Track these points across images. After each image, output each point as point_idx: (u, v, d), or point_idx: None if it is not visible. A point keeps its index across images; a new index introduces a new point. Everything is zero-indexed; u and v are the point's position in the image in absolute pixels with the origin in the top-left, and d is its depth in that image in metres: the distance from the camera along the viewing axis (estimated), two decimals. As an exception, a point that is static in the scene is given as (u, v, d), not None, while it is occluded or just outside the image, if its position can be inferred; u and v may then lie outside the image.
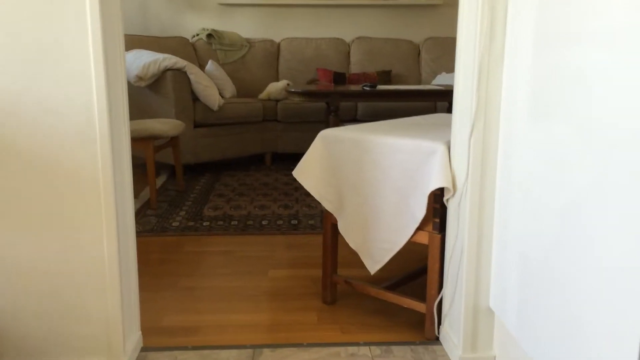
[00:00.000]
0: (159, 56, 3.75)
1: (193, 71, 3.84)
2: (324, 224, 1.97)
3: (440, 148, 1.61)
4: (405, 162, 1.70)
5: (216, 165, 4.41)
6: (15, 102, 1.38)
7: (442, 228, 1.69)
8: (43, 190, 1.43)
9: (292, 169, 4.35)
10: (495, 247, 1.52)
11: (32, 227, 1.44)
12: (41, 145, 1.40)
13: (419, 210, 1.68)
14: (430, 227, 1.69)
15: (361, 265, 2.33)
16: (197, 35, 4.86)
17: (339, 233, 1.93)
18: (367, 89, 3.42)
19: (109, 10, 1.42)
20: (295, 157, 4.63)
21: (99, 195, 1.43)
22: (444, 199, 1.64)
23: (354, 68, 4.97)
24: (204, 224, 2.92)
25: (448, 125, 1.99)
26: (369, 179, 1.79)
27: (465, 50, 1.50)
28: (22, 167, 1.41)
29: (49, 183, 1.42)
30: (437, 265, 1.70)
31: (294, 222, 2.96)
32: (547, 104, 1.27)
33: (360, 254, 1.86)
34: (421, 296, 1.99)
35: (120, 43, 1.50)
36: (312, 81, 4.74)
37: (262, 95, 4.50)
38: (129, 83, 3.78)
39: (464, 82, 1.51)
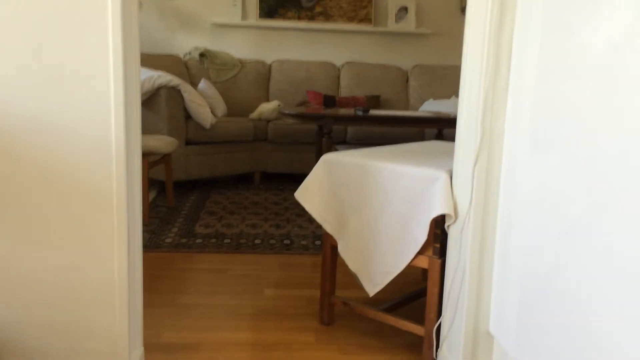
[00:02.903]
0: (154, 73, 3.78)
1: (187, 89, 3.87)
2: (323, 246, 2.01)
3: (443, 176, 1.68)
4: (408, 188, 1.75)
5: (205, 183, 4.43)
6: (35, 119, 1.40)
7: (442, 253, 1.74)
8: (58, 204, 1.44)
9: (281, 189, 4.40)
10: (495, 273, 1.58)
11: (45, 241, 1.46)
12: (58, 162, 1.43)
13: (421, 235, 1.73)
14: (430, 252, 1.75)
15: (357, 286, 2.37)
16: (190, 53, 4.90)
17: (338, 255, 1.97)
18: (360, 113, 3.49)
19: (129, 31, 1.46)
20: (284, 177, 4.68)
21: (112, 210, 1.46)
22: (445, 225, 1.70)
23: (344, 92, 5.07)
24: (197, 241, 2.93)
25: (446, 153, 2.06)
26: (371, 203, 1.84)
27: (469, 84, 1.58)
28: (39, 182, 1.43)
29: (65, 198, 1.44)
30: (436, 290, 1.75)
31: (287, 242, 2.99)
32: (546, 138, 1.34)
33: (359, 276, 1.91)
34: (418, 318, 2.04)
35: (137, 63, 1.54)
36: (302, 103, 4.81)
37: (253, 115, 4.55)
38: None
39: (467, 114, 1.58)
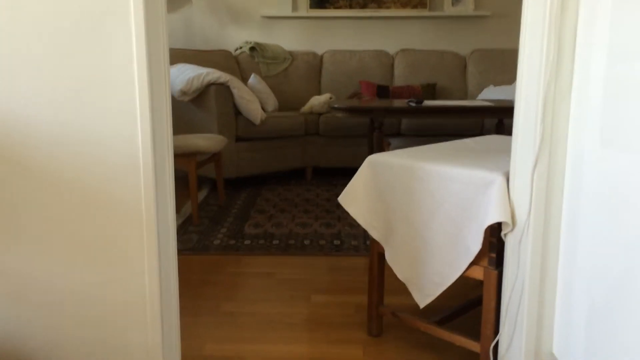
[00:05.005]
0: (203, 70, 3.75)
1: (236, 85, 3.82)
2: (370, 253, 1.89)
3: (498, 179, 1.51)
4: (460, 193, 1.60)
5: (257, 179, 4.38)
6: (60, 132, 1.35)
7: (498, 263, 1.58)
8: (85, 220, 1.40)
9: (334, 184, 4.29)
10: (560, 288, 1.41)
11: (73, 257, 1.41)
12: (84, 176, 1.37)
13: (474, 243, 1.58)
14: (485, 262, 1.59)
15: (408, 292, 2.23)
16: (241, 48, 4.86)
17: (386, 262, 1.85)
18: (413, 104, 3.32)
19: (155, 37, 1.38)
20: (336, 172, 4.56)
21: (142, 226, 1.39)
22: (502, 234, 1.54)
23: (398, 81, 4.88)
24: (245, 242, 2.87)
25: (503, 150, 1.88)
26: (420, 209, 1.70)
27: (527, 77, 1.40)
28: (65, 197, 1.39)
29: (92, 213, 1.39)
30: (492, 304, 1.59)
31: (337, 242, 2.88)
32: (619, 131, 1.16)
33: (408, 286, 1.77)
34: (473, 332, 1.88)
35: (165, 69, 1.46)
36: (354, 94, 4.67)
37: (305, 109, 4.46)
38: (172, 97, 3.79)
39: (525, 111, 1.41)
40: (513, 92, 4.37)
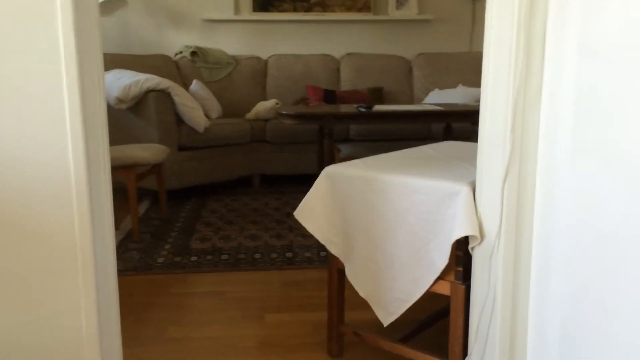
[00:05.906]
0: (141, 76, 3.54)
1: (177, 92, 3.63)
2: (329, 269, 1.78)
3: (464, 190, 1.43)
4: (423, 205, 1.51)
5: (202, 190, 4.19)
6: (-26, 149, 1.17)
7: (465, 277, 1.50)
8: (8, 249, 1.21)
9: (282, 192, 4.16)
10: (532, 305, 1.34)
11: (-4, 292, 1.23)
12: (6, 197, 1.19)
13: (440, 259, 1.49)
14: (452, 277, 1.51)
15: (370, 307, 2.13)
16: (181, 52, 4.65)
17: (347, 278, 1.74)
18: (363, 110, 3.24)
19: (86, 40, 1.22)
20: (284, 180, 4.43)
21: (75, 253, 1.22)
22: (469, 247, 1.46)
23: (345, 85, 4.81)
24: (192, 259, 2.70)
25: (464, 158, 1.81)
26: (382, 222, 1.60)
27: (493, 88, 1.32)
28: (-16, 223, 1.20)
29: (16, 241, 1.21)
30: (460, 320, 1.52)
31: (289, 254, 2.75)
32: (593, 138, 1.10)
33: (371, 304, 1.68)
34: (440, 348, 1.80)
35: (99, 75, 1.30)
36: (301, 100, 4.56)
37: (250, 115, 4.31)
38: (108, 105, 3.56)
39: (492, 122, 1.33)
40: (458, 95, 4.38)
